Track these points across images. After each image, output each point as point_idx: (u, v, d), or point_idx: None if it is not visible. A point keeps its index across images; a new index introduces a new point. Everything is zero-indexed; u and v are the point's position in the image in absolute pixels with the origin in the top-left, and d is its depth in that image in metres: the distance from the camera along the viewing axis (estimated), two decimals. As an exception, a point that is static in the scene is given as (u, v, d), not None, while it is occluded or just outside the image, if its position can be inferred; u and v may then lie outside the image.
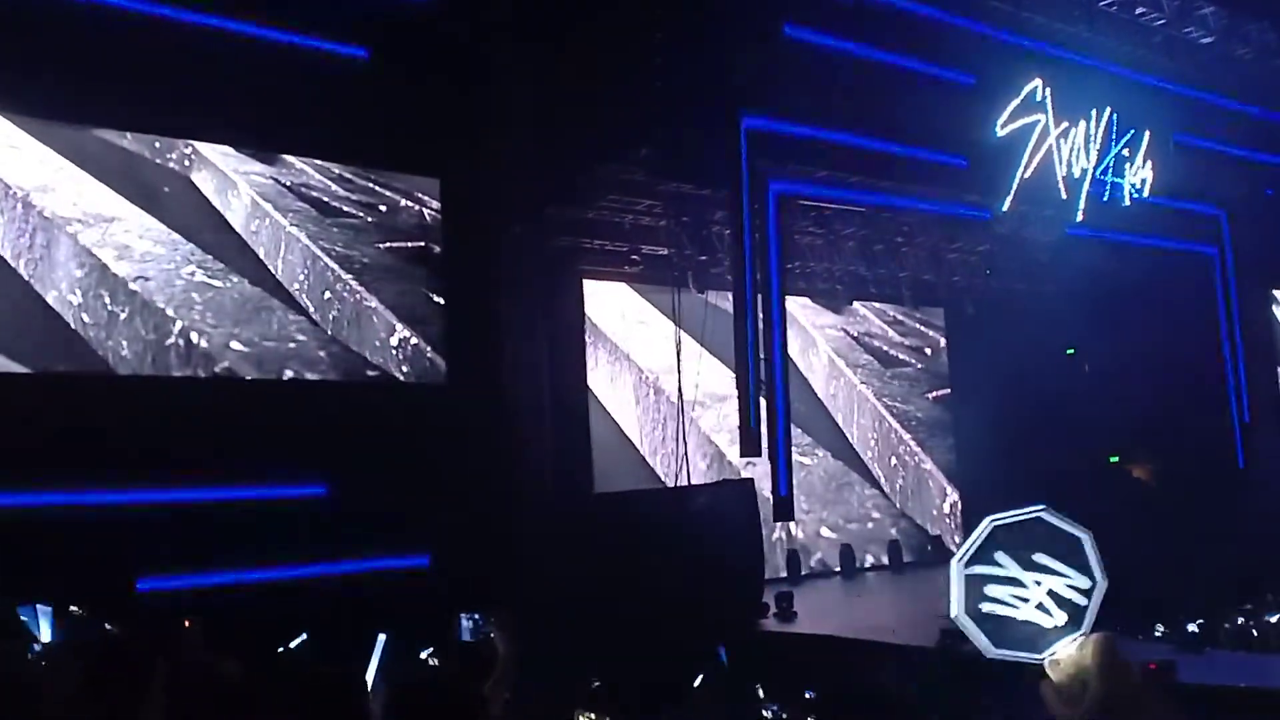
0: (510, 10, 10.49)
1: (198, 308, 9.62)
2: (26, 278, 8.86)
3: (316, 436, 9.37)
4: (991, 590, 1.53)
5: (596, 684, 5.12)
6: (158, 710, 2.74)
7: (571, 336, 12.68)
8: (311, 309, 10.30)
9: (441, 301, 10.99)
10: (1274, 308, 16.57)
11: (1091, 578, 1.56)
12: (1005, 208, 12.39)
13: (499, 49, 10.57)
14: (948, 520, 16.56)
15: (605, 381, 13.43)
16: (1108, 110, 12.88)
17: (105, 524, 8.08)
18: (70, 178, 9.16)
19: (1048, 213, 13.04)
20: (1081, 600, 1.52)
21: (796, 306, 14.82)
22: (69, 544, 7.58)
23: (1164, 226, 13.95)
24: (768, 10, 10.39)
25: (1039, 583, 1.53)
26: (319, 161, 10.50)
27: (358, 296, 10.61)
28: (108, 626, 4.85)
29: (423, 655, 4.97)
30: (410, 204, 11.08)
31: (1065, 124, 12.54)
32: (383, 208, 10.89)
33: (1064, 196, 12.68)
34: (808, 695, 5.70)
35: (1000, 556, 1.56)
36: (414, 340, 10.86)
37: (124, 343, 9.23)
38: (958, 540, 16.42)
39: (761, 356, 10.31)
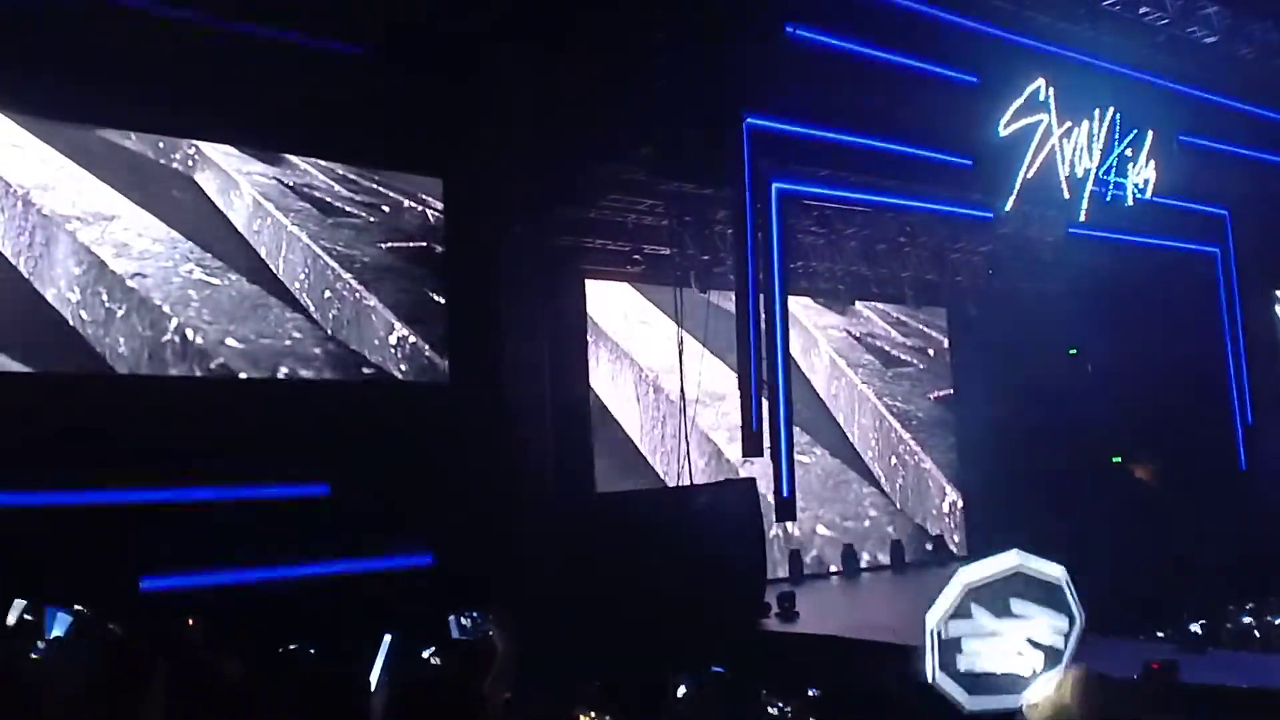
0: (512, 9, 10.48)
1: (194, 305, 9.62)
2: (26, 275, 8.88)
3: (318, 436, 9.38)
4: (968, 645, 1.51)
5: (597, 684, 5.11)
6: (159, 709, 2.74)
7: (573, 336, 12.67)
8: (312, 308, 10.31)
9: (443, 301, 10.99)
10: (1277, 308, 16.53)
11: (1070, 616, 1.53)
12: (1008, 207, 12.37)
13: (500, 48, 10.56)
14: (949, 520, 16.55)
15: (606, 380, 13.43)
16: (1111, 110, 12.86)
17: (108, 523, 8.10)
18: (71, 176, 9.17)
19: (1051, 212, 13.02)
20: (1059, 641, 1.50)
21: (799, 306, 14.81)
22: (72, 543, 7.59)
23: (1167, 226, 13.92)
24: (770, 9, 10.38)
25: (1016, 629, 1.50)
26: (321, 161, 10.50)
27: (358, 296, 10.62)
28: (110, 626, 4.85)
29: (424, 655, 4.97)
30: (412, 204, 11.08)
31: (1068, 124, 12.52)
32: (385, 208, 10.89)
33: (1067, 196, 12.66)
34: (810, 693, 5.69)
35: (976, 611, 1.54)
36: (415, 339, 10.86)
37: (121, 340, 9.24)
38: (958, 540, 16.41)
39: (764, 356, 10.30)
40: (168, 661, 2.87)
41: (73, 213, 9.15)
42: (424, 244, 11.03)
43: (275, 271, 10.18)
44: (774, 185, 10.67)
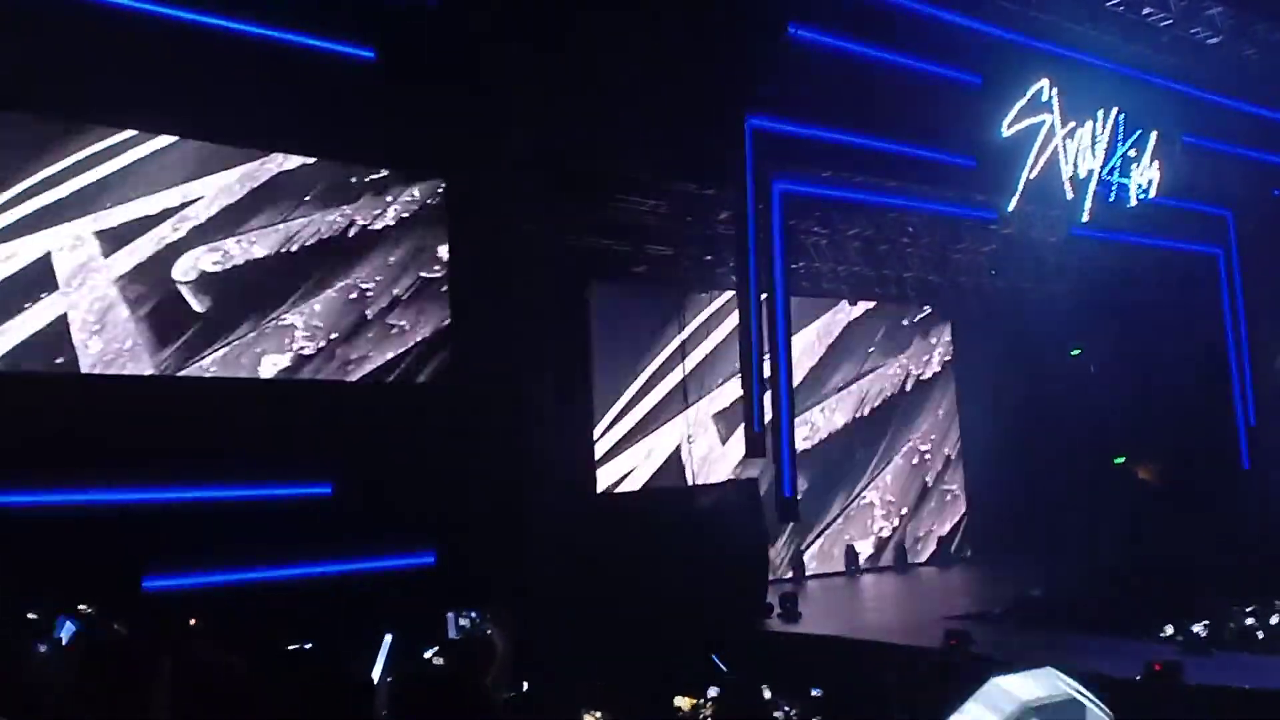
0: (516, 10, 10.48)
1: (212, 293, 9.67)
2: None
3: (322, 435, 9.39)
4: None
5: (601, 683, 5.12)
6: (163, 708, 2.75)
7: (576, 336, 12.68)
8: (316, 307, 10.33)
9: (447, 301, 11.00)
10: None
11: None
12: (1011, 208, 12.37)
13: (505, 49, 10.57)
14: (950, 521, 16.53)
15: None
16: (1114, 110, 12.85)
17: (112, 523, 8.11)
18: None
19: (1054, 213, 13.02)
20: None
21: (807, 303, 14.85)
22: (76, 543, 7.60)
23: (1170, 227, 13.91)
24: (773, 10, 10.39)
25: None
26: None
27: (361, 295, 10.63)
28: (113, 625, 4.87)
29: (426, 654, 4.98)
30: (408, 199, 11.09)
31: (1072, 124, 12.51)
32: (388, 207, 10.90)
33: (1070, 197, 12.65)
34: (814, 693, 5.70)
35: None
36: (419, 339, 10.88)
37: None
38: (959, 540, 16.40)
39: (766, 356, 10.31)
40: (171, 661, 2.88)
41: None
42: (427, 243, 11.04)
43: (282, 269, 10.21)
44: (776, 185, 10.68)
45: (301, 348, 10.21)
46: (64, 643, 4.32)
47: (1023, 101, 12.05)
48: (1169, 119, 13.26)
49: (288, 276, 10.23)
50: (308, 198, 10.42)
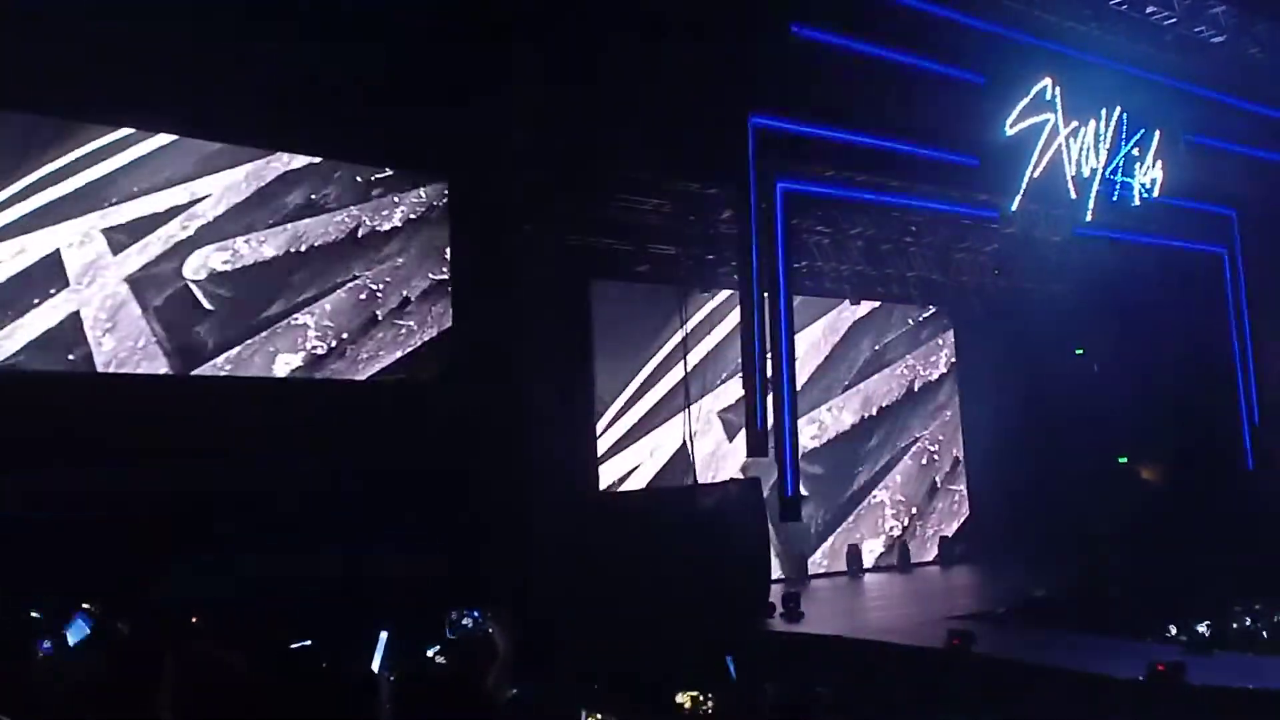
0: (519, 9, 10.49)
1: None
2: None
3: (324, 434, 9.40)
4: None
5: (603, 684, 5.12)
6: (166, 706, 2.76)
7: (578, 335, 12.68)
8: (327, 306, 10.36)
9: (448, 299, 11.01)
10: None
11: None
12: (1014, 207, 12.35)
13: (506, 48, 10.57)
14: (954, 520, 16.52)
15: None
16: (1118, 109, 12.83)
17: (115, 522, 8.12)
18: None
19: (1057, 212, 12.99)
20: None
21: (815, 299, 14.84)
22: (80, 542, 7.62)
23: (1174, 226, 13.89)
24: (776, 9, 10.38)
25: None
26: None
27: (371, 296, 10.65)
28: (117, 624, 4.87)
29: (428, 653, 4.98)
30: (415, 200, 11.10)
31: (1075, 123, 12.49)
32: (395, 208, 10.91)
33: (1073, 196, 12.63)
34: (818, 690, 5.69)
35: None
36: (426, 339, 10.89)
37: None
38: (962, 540, 16.38)
39: (768, 356, 10.30)
40: (175, 658, 2.88)
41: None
42: (436, 244, 11.06)
43: (286, 267, 10.23)
44: (779, 184, 10.67)
45: (314, 347, 10.26)
46: (69, 641, 4.33)
47: (1026, 100, 12.03)
48: (1173, 118, 13.24)
49: (298, 276, 10.27)
50: (314, 196, 10.44)
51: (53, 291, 8.99)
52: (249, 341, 9.89)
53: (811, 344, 15.20)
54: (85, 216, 9.19)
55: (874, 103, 10.88)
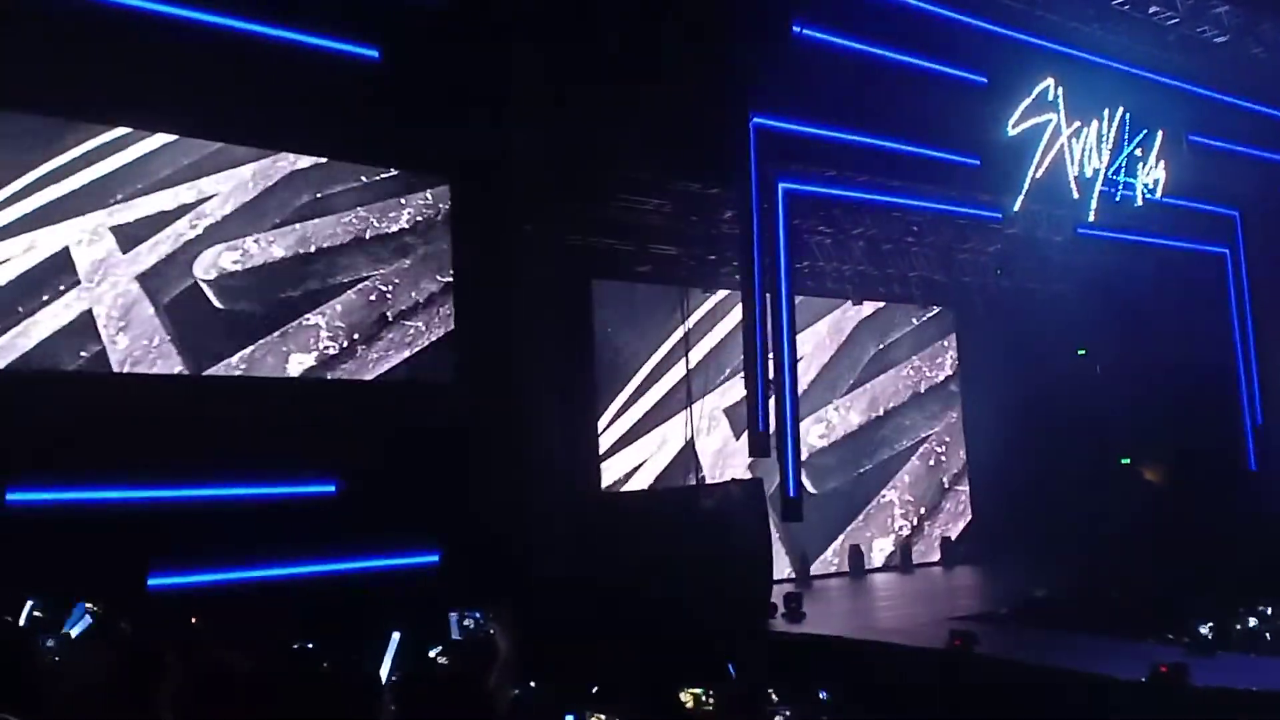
0: (521, 10, 10.49)
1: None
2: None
3: (327, 434, 9.40)
4: None
5: (605, 684, 5.12)
6: (168, 706, 2.76)
7: (580, 335, 12.68)
8: (338, 307, 10.38)
9: (451, 300, 11.02)
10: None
11: None
12: (1017, 207, 12.34)
13: (508, 49, 10.57)
14: (960, 521, 16.51)
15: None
16: (1120, 110, 12.82)
17: (118, 521, 8.12)
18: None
19: (1059, 212, 12.98)
20: None
21: (816, 300, 14.83)
22: (83, 541, 7.62)
23: (1176, 227, 13.87)
24: (778, 9, 10.37)
25: None
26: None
27: (380, 297, 10.67)
28: (120, 623, 4.87)
29: (431, 653, 4.98)
30: (422, 203, 11.11)
31: (1078, 123, 12.48)
32: (403, 210, 10.94)
33: (1076, 196, 12.62)
34: (821, 696, 5.68)
35: None
36: (424, 339, 10.89)
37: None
38: (964, 540, 16.36)
39: (770, 356, 10.30)
40: (177, 658, 2.88)
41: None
42: (432, 243, 11.06)
43: (291, 269, 10.25)
44: (781, 185, 10.67)
45: (326, 347, 10.29)
46: (71, 641, 4.33)
47: (1028, 101, 12.02)
48: (1175, 118, 13.23)
49: (308, 277, 10.30)
50: (320, 195, 10.47)
51: (62, 288, 9.02)
52: (263, 341, 9.93)
53: (817, 343, 15.21)
54: (93, 214, 9.21)
55: (876, 103, 10.87)
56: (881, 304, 15.74)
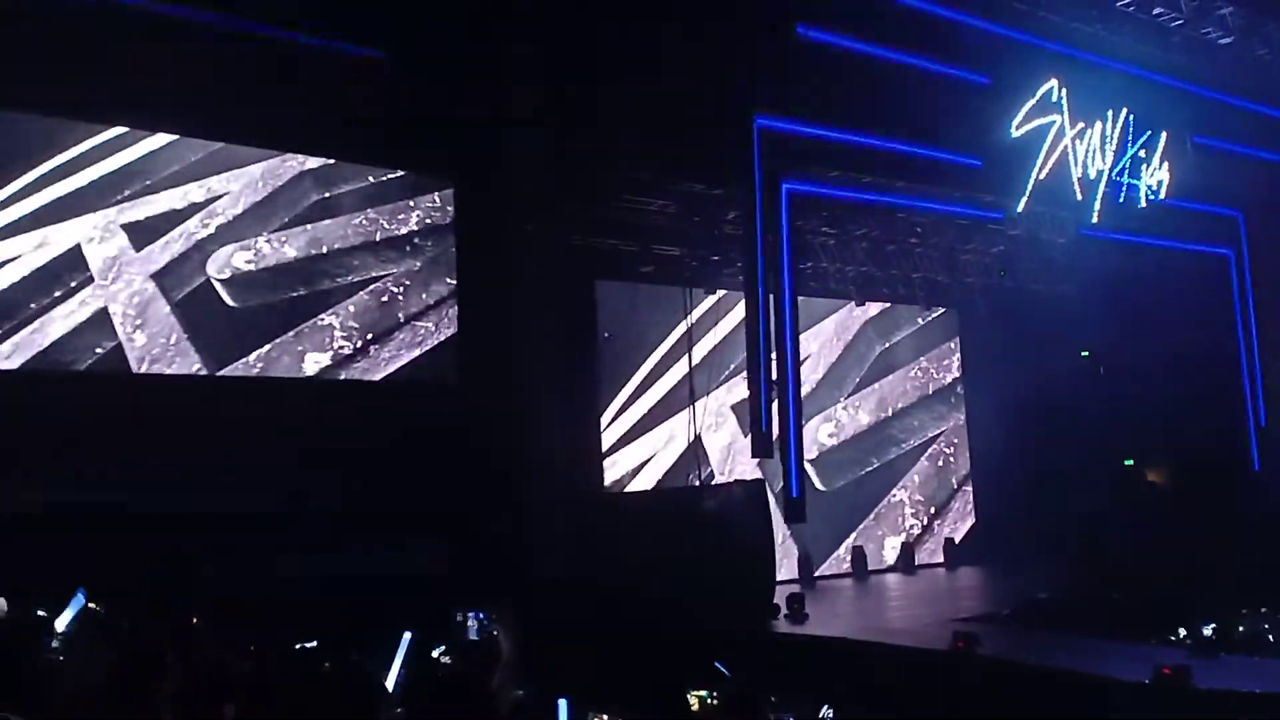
0: (523, 11, 10.49)
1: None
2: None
3: (329, 434, 9.41)
4: None
5: (606, 685, 5.11)
6: (168, 705, 2.76)
7: (583, 336, 12.68)
8: (350, 308, 10.41)
9: (454, 301, 11.03)
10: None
11: None
12: (1020, 209, 12.32)
13: (510, 49, 10.57)
14: (966, 521, 16.49)
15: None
16: (1124, 111, 12.79)
17: (121, 521, 8.13)
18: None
19: (1063, 214, 12.96)
20: None
21: (823, 302, 14.80)
22: (85, 541, 7.63)
23: (1180, 228, 13.84)
24: (781, 10, 10.36)
25: None
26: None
27: (392, 298, 10.70)
28: (121, 623, 4.88)
29: (434, 654, 4.98)
30: (430, 205, 11.13)
31: (1081, 124, 12.45)
32: (411, 212, 10.96)
33: (1079, 198, 12.59)
34: (823, 713, 5.66)
35: None
36: (433, 339, 10.91)
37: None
38: (967, 542, 16.34)
39: (773, 357, 10.29)
40: (177, 659, 2.88)
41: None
42: (440, 245, 11.08)
43: (298, 270, 10.27)
44: (784, 186, 10.65)
45: (340, 347, 10.33)
46: (73, 640, 4.34)
47: (1032, 102, 12.00)
48: (1179, 119, 13.19)
49: (321, 277, 10.33)
50: (328, 195, 10.49)
51: (75, 285, 9.04)
52: (279, 340, 9.96)
53: (824, 341, 15.22)
54: (102, 211, 9.23)
55: (879, 104, 10.85)
56: (886, 304, 15.75)
